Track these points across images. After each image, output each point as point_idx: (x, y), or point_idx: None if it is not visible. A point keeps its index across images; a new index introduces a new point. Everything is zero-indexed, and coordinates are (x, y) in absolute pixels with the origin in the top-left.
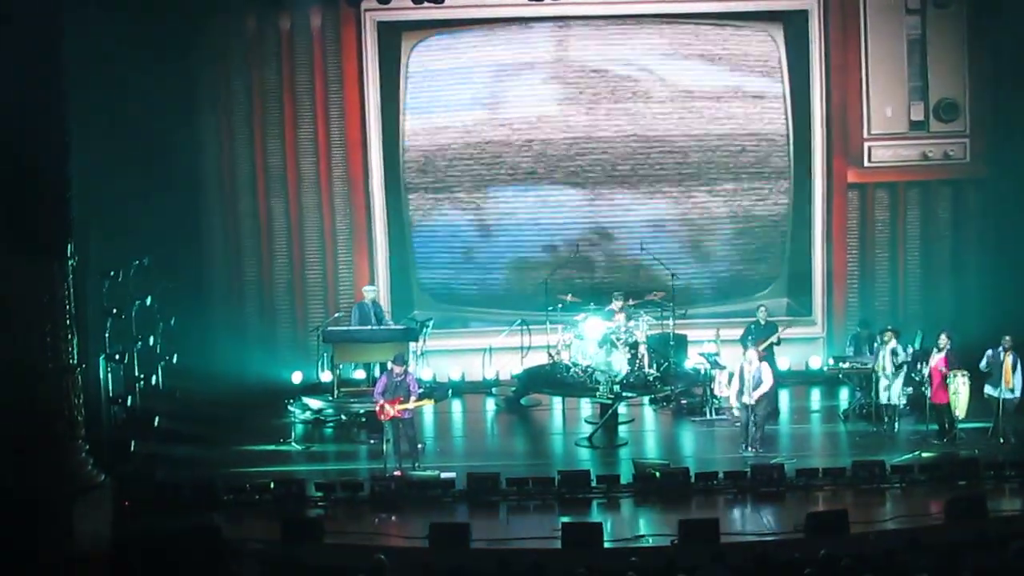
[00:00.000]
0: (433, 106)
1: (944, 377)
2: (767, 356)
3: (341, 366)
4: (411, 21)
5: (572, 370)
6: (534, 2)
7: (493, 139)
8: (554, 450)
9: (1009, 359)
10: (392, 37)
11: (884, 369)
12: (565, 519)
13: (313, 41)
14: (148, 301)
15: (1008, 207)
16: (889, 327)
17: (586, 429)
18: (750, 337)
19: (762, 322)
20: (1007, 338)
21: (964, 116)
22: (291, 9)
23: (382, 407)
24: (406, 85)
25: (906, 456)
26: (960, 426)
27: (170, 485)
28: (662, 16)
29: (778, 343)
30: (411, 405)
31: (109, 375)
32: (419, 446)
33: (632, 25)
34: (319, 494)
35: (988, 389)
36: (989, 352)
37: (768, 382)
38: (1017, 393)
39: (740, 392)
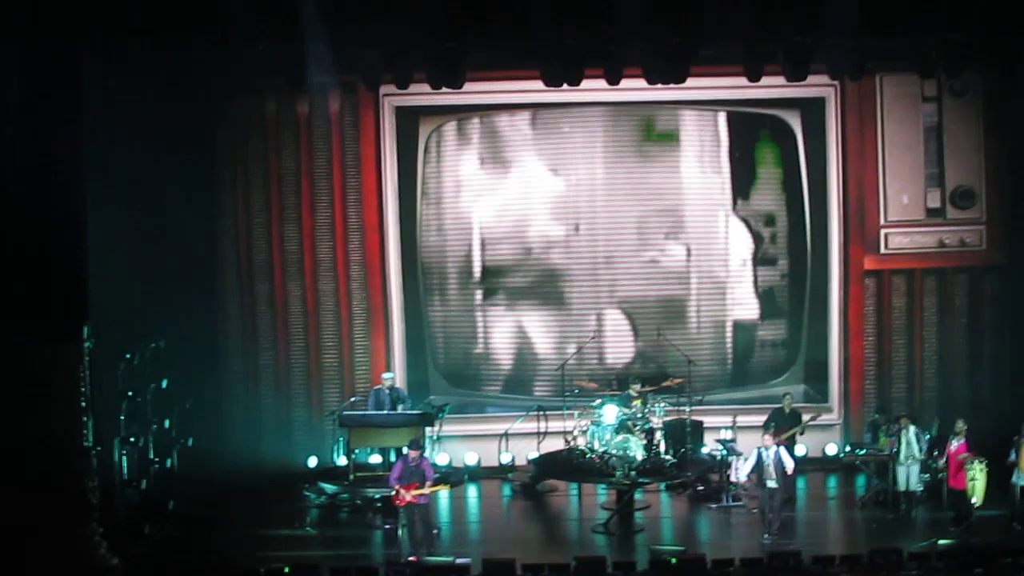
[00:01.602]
0: (451, 190)
1: (961, 464)
2: (788, 444)
3: (357, 451)
4: (430, 106)
5: (588, 456)
6: (552, 88)
7: (510, 225)
8: (570, 536)
9: None
10: (410, 122)
11: (901, 456)
12: None
13: (331, 125)
14: (164, 384)
15: None
16: (905, 414)
17: (602, 515)
18: (773, 423)
19: (786, 410)
20: None
21: (980, 203)
22: (310, 93)
23: (398, 492)
24: (424, 170)
25: (923, 543)
26: (977, 513)
27: (184, 569)
28: (680, 103)
29: (802, 433)
30: (427, 490)
31: (124, 458)
32: (434, 532)
33: (648, 109)
34: None
35: (1014, 478)
36: (1016, 441)
37: (791, 464)
38: None
39: (759, 476)
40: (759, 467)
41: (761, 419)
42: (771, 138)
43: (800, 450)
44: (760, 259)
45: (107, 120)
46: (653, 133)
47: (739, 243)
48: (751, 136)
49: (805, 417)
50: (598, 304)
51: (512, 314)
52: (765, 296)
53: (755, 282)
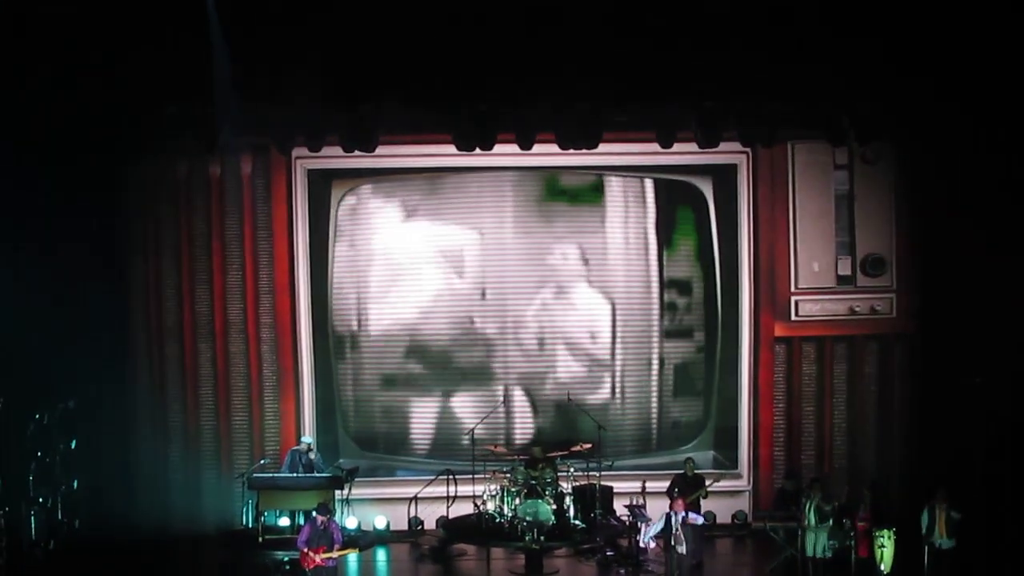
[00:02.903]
0: (363, 253)
1: (870, 531)
2: (693, 509)
3: (266, 513)
4: (342, 169)
5: (498, 520)
6: (465, 153)
7: (423, 288)
8: None
9: (944, 511)
10: (323, 185)
11: (810, 523)
12: None
13: (243, 187)
14: (73, 444)
15: (933, 362)
16: (815, 480)
17: None
18: (676, 489)
19: (689, 475)
20: (941, 489)
21: (891, 271)
22: (222, 155)
23: (306, 555)
24: (335, 233)
25: None
26: None
27: None
28: (592, 168)
29: (705, 496)
30: (336, 554)
31: (32, 518)
32: None
33: (560, 175)
34: None
35: (929, 539)
36: (928, 508)
37: (700, 519)
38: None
39: (668, 542)
40: (667, 532)
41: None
42: (687, 205)
43: (707, 515)
44: (675, 328)
45: (13, 179)
46: (571, 198)
47: (655, 311)
48: (670, 203)
49: (708, 481)
50: (507, 371)
51: (421, 379)
52: (679, 365)
53: (664, 347)
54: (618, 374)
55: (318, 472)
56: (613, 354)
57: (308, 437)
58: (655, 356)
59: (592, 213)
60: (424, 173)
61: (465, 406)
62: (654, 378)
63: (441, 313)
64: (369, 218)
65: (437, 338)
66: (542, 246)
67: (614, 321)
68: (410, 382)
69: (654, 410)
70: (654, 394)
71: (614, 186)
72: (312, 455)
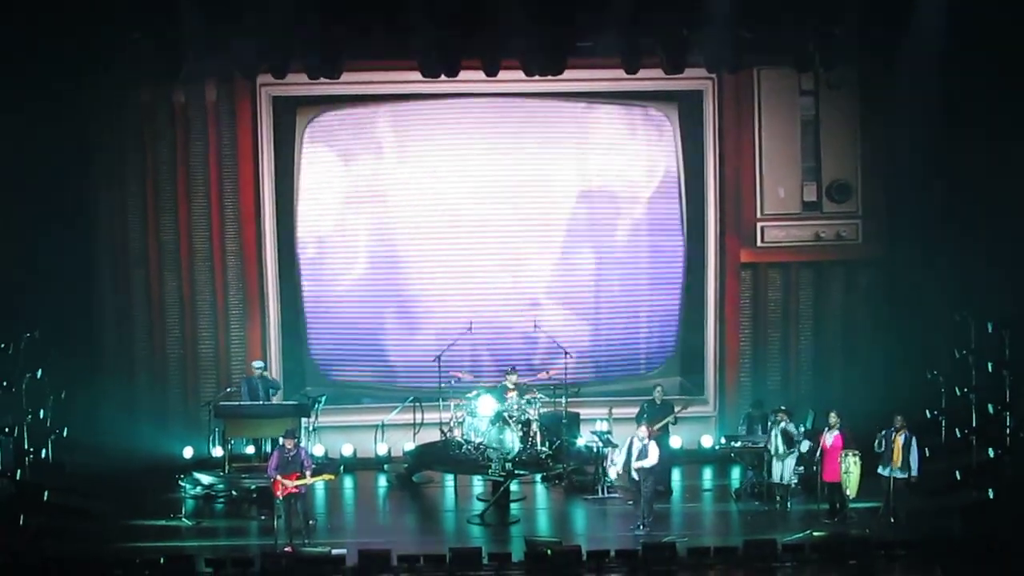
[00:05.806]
0: (328, 181)
1: (835, 456)
2: (662, 436)
3: (232, 441)
4: (307, 96)
5: (464, 447)
6: (430, 79)
7: (387, 217)
8: (446, 527)
9: (901, 439)
10: (288, 112)
11: (776, 448)
12: None
13: (208, 115)
14: (39, 374)
15: (899, 288)
16: (781, 406)
17: (478, 506)
18: (645, 416)
19: (658, 401)
20: (899, 418)
21: (856, 197)
22: (186, 83)
23: (278, 483)
24: (301, 159)
25: (797, 535)
26: (851, 505)
27: (60, 560)
28: (557, 95)
29: (674, 423)
30: (310, 480)
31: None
32: (310, 522)
33: (529, 102)
34: (209, 570)
35: (881, 469)
36: (882, 433)
37: (654, 458)
38: (914, 471)
39: (627, 465)
40: (628, 457)
41: (637, 411)
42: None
43: (675, 442)
44: (638, 251)
45: None
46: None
47: (633, 238)
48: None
49: (676, 407)
50: (469, 296)
51: (389, 306)
52: (642, 287)
53: (631, 273)
54: (581, 298)
55: (274, 392)
56: (581, 278)
57: (259, 362)
58: (620, 278)
59: (569, 142)
60: (390, 100)
61: (432, 336)
62: (618, 301)
63: (407, 242)
64: (334, 145)
65: (404, 267)
66: (513, 174)
67: (593, 251)
68: (376, 311)
69: (620, 335)
70: (620, 318)
71: (590, 114)
72: (265, 378)
